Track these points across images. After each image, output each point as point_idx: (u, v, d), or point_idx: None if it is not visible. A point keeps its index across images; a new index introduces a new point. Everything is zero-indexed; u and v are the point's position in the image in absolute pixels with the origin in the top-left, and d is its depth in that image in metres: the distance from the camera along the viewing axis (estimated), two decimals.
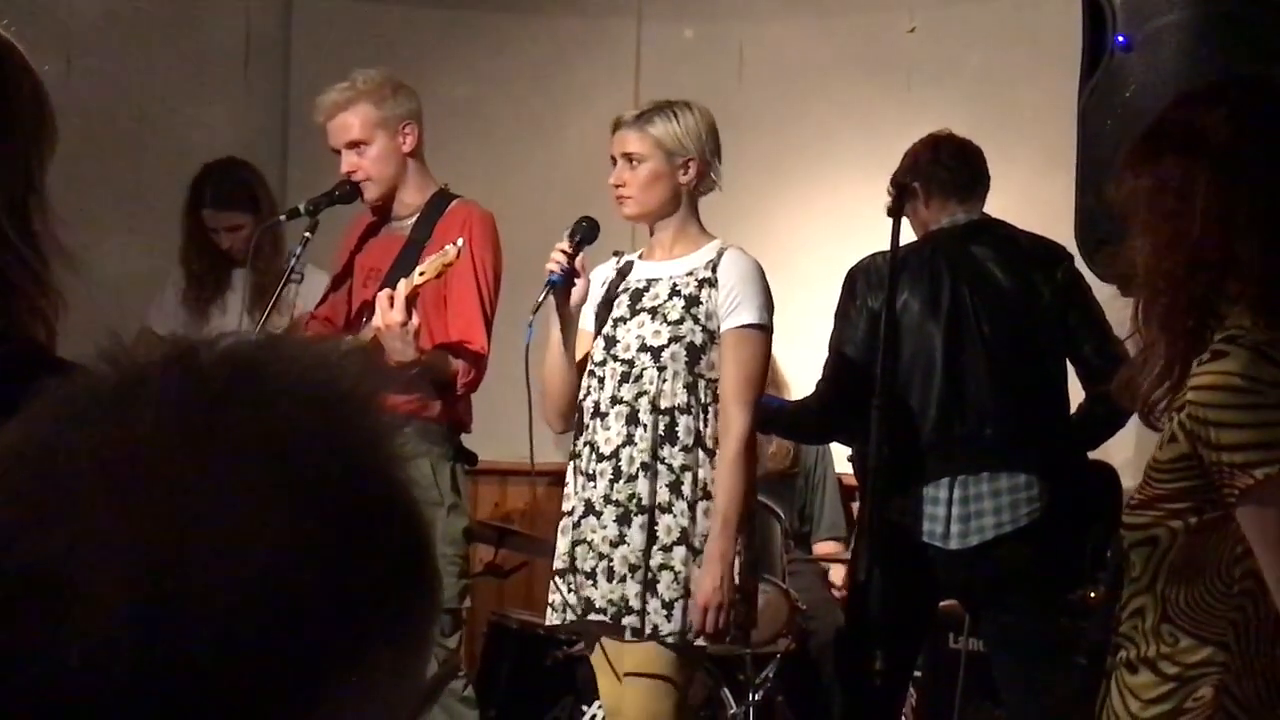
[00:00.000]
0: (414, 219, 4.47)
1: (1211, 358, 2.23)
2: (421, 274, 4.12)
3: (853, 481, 5.22)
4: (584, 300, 3.99)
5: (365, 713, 0.75)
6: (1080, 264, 3.98)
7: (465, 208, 4.46)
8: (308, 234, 4.48)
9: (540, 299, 3.94)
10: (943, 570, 4.41)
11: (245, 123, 6.64)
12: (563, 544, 4.00)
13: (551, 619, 4.03)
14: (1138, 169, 2.38)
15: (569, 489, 4.03)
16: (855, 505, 5.97)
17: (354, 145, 4.44)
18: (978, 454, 4.37)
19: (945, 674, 5.06)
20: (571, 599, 3.95)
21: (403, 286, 4.10)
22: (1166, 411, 2.29)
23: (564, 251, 3.94)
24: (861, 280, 4.52)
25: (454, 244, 4.13)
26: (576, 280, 3.95)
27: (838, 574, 5.82)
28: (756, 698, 5.13)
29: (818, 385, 4.65)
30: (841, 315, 4.56)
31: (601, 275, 4.13)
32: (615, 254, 4.19)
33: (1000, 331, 4.42)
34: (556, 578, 4.01)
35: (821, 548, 5.97)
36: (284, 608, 0.71)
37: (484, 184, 6.82)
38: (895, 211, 4.35)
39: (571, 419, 4.07)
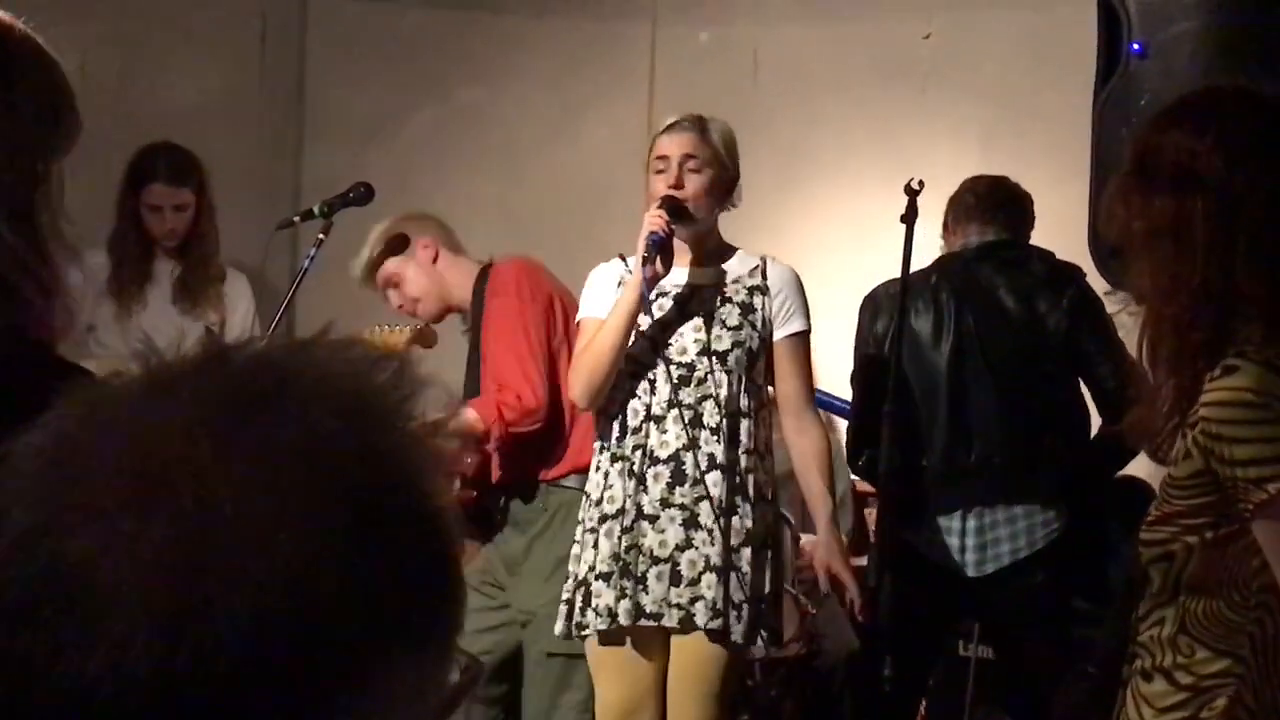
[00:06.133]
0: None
1: (1223, 373, 2.22)
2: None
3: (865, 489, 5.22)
4: (668, 272, 3.99)
5: None
6: (1093, 274, 3.97)
7: (494, 271, 4.56)
8: (321, 235, 4.49)
9: (643, 253, 3.91)
10: (961, 595, 4.40)
11: (260, 123, 6.65)
12: (606, 547, 3.93)
13: (597, 624, 3.92)
14: (1129, 205, 2.35)
15: (610, 492, 3.97)
16: (867, 511, 5.96)
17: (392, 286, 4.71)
18: (990, 484, 4.35)
19: (954, 681, 5.05)
20: (625, 605, 3.88)
21: None
22: (1179, 430, 2.28)
23: (661, 217, 3.93)
24: (869, 308, 4.56)
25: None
26: (671, 246, 3.96)
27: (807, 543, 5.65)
28: (766, 703, 5.12)
29: (852, 410, 4.65)
30: (857, 345, 4.58)
31: (611, 275, 4.10)
32: (620, 257, 4.15)
33: (1006, 358, 4.39)
34: (601, 581, 3.93)
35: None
36: (308, 616, 0.71)
37: (498, 187, 6.84)
38: (908, 217, 4.34)
39: (603, 396, 4.01)
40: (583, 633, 3.97)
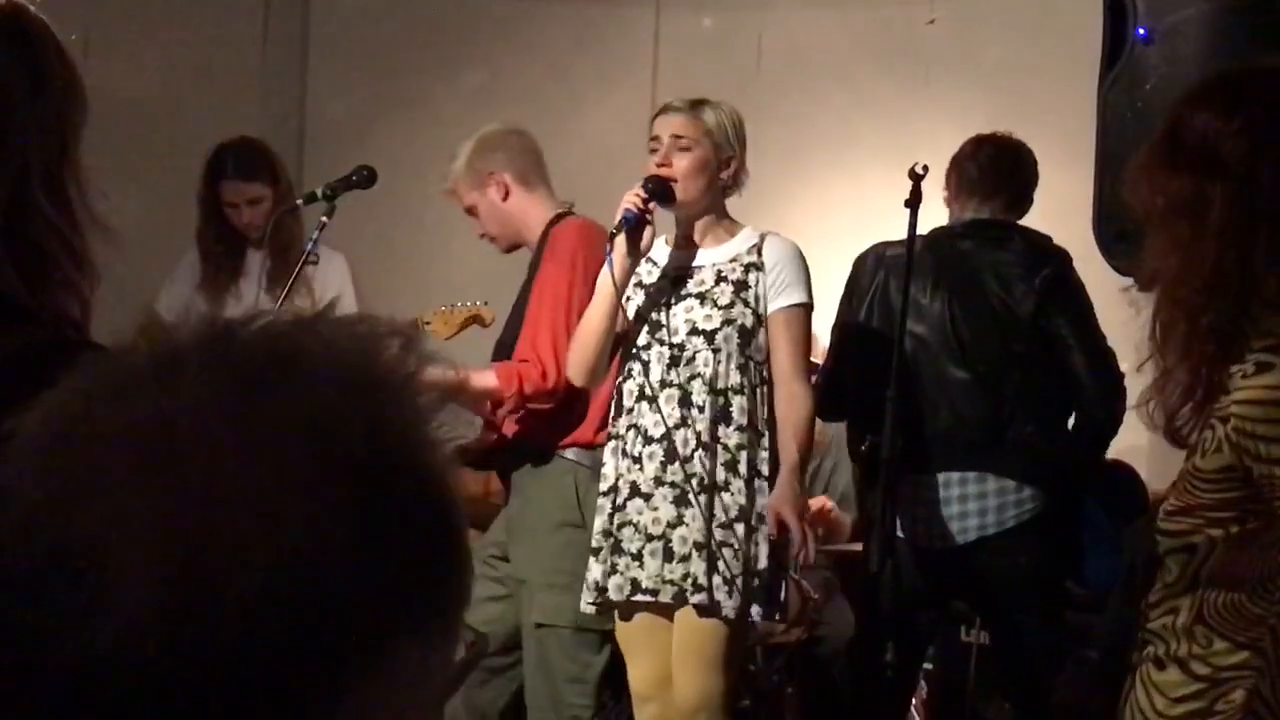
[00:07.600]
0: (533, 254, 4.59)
1: (1257, 370, 2.19)
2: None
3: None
4: (649, 249, 4.03)
5: (392, 698, 0.75)
6: (1096, 258, 3.96)
7: (558, 229, 4.50)
8: (324, 218, 4.49)
9: (613, 233, 3.97)
10: (936, 568, 4.40)
11: (263, 105, 6.65)
12: (599, 523, 4.03)
13: (587, 598, 4.03)
14: (1152, 179, 2.33)
15: (606, 469, 4.06)
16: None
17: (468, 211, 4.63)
18: (954, 455, 4.35)
19: (957, 667, 5.06)
20: (616, 580, 3.97)
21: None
22: (1202, 421, 2.25)
23: (639, 195, 3.97)
24: (857, 266, 4.61)
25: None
26: (648, 224, 3.99)
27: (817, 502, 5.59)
28: (767, 688, 5.13)
29: (824, 363, 4.69)
30: (843, 298, 4.61)
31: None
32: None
33: (979, 335, 4.39)
34: (591, 557, 4.03)
35: (817, 500, 5.75)
36: (314, 592, 0.71)
37: None
38: (913, 202, 4.33)
39: (600, 375, 4.11)
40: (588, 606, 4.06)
